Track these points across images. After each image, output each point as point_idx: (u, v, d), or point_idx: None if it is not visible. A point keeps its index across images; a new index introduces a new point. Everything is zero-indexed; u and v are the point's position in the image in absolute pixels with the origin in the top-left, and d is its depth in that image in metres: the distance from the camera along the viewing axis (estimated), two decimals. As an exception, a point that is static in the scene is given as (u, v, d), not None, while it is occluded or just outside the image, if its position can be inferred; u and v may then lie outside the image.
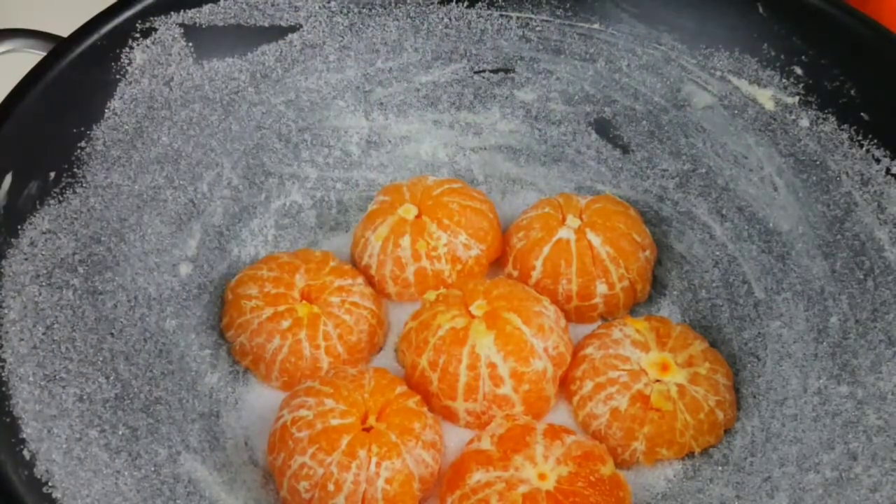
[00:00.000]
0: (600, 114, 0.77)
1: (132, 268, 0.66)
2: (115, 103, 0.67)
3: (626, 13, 0.75)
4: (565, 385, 0.68)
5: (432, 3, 0.76)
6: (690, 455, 0.65)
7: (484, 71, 0.78)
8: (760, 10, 0.70)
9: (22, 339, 0.57)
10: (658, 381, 0.65)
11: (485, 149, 0.79)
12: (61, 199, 0.63)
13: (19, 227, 0.60)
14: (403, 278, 0.72)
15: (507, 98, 0.78)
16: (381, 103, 0.78)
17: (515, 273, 0.73)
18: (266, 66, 0.74)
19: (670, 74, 0.75)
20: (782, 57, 0.70)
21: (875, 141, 0.66)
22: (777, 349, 0.67)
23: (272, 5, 0.73)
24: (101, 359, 0.61)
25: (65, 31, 0.66)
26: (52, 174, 0.63)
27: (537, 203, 0.75)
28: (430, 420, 0.63)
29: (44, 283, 0.60)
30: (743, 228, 0.72)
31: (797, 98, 0.70)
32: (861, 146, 0.67)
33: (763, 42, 0.71)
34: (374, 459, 0.60)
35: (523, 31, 0.77)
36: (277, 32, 0.74)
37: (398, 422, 0.62)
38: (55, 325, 0.60)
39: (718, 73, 0.73)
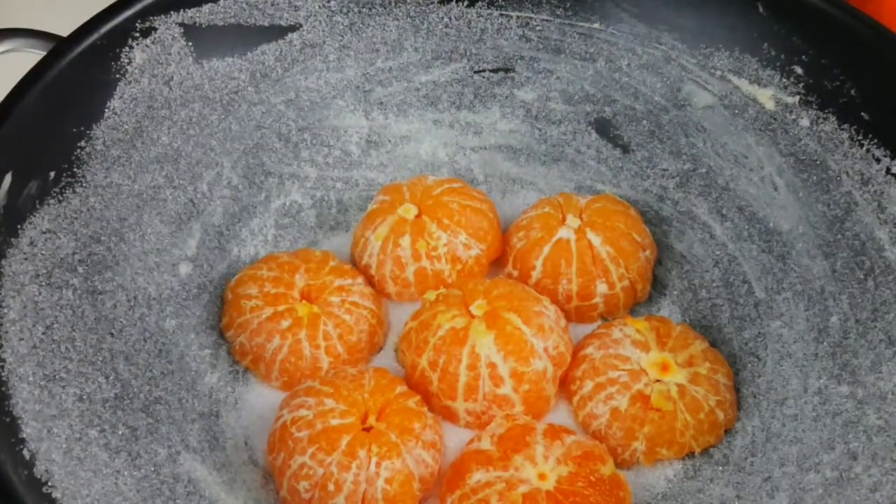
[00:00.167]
0: (600, 113, 0.77)
1: (132, 267, 0.66)
2: (114, 103, 0.67)
3: (627, 13, 0.75)
4: (565, 385, 0.68)
5: (432, 3, 0.76)
6: (691, 455, 0.65)
7: (484, 70, 0.78)
8: (760, 9, 0.70)
9: (22, 339, 0.57)
10: (658, 381, 0.65)
11: (485, 148, 0.79)
12: (61, 198, 0.63)
13: (19, 226, 0.60)
14: (403, 278, 0.72)
15: (507, 97, 0.78)
16: (381, 103, 0.78)
17: (515, 273, 0.73)
18: (266, 65, 0.74)
19: (670, 74, 0.75)
20: (782, 57, 0.70)
21: (875, 141, 0.66)
22: (777, 349, 0.67)
23: (272, 5, 0.73)
24: (100, 359, 0.61)
25: (65, 30, 0.66)
26: (52, 174, 0.63)
27: (537, 203, 0.75)
28: (430, 420, 0.63)
29: (43, 283, 0.60)
30: (743, 228, 0.72)
31: (797, 98, 0.70)
32: (861, 146, 0.67)
33: (763, 42, 0.71)
34: (374, 459, 0.60)
35: (523, 31, 0.77)
36: (277, 32, 0.74)
37: (398, 422, 0.62)
38: (55, 325, 0.60)
39: (719, 73, 0.73)
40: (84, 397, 0.59)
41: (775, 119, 0.71)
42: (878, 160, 0.66)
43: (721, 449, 0.65)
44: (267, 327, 0.67)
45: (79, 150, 0.65)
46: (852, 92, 0.67)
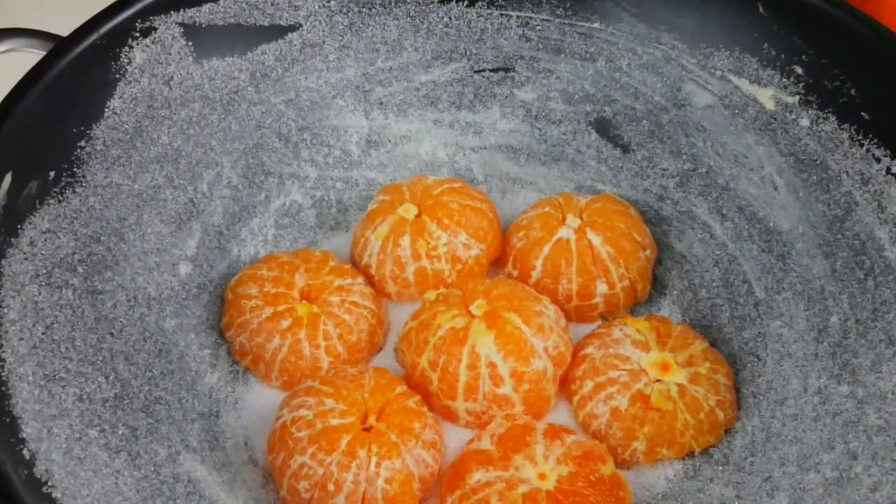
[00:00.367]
0: (600, 113, 0.77)
1: (132, 267, 0.66)
2: (114, 103, 0.67)
3: (627, 12, 0.75)
4: (565, 385, 0.68)
5: (432, 3, 0.76)
6: (691, 455, 0.65)
7: (484, 70, 0.78)
8: (761, 9, 0.70)
9: (22, 339, 0.57)
10: (658, 380, 0.65)
11: (485, 148, 0.79)
12: (61, 198, 0.63)
13: (19, 226, 0.60)
14: (403, 278, 0.72)
15: (507, 97, 0.78)
16: (381, 103, 0.78)
17: (515, 273, 0.73)
18: (266, 65, 0.74)
19: (670, 74, 0.75)
20: (782, 56, 0.70)
21: (875, 140, 0.66)
22: (777, 349, 0.67)
23: (272, 5, 0.73)
24: (100, 358, 0.61)
25: (65, 30, 0.66)
26: (52, 174, 0.63)
27: (537, 202, 0.75)
28: (430, 420, 0.63)
29: (43, 283, 0.60)
30: (743, 228, 0.72)
31: (797, 97, 0.70)
32: (861, 146, 0.67)
33: (763, 41, 0.71)
34: (374, 459, 0.60)
35: (523, 31, 0.77)
36: (277, 32, 0.74)
37: (398, 422, 0.62)
38: (55, 325, 0.60)
39: (719, 73, 0.73)
40: (84, 397, 0.59)
41: (775, 119, 0.71)
42: (878, 160, 0.66)
43: (721, 449, 0.65)
44: (267, 327, 0.67)
45: (79, 150, 0.65)
46: (852, 92, 0.67)
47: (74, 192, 0.64)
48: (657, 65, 0.75)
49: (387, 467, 0.60)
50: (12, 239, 0.60)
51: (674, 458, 0.65)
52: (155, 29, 0.69)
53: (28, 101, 0.62)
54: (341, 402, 0.62)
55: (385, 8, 0.76)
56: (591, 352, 0.67)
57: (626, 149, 0.77)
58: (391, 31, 0.76)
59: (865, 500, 0.57)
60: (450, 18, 0.77)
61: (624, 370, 0.65)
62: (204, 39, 0.71)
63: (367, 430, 0.61)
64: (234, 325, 0.68)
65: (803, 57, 0.69)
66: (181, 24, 0.70)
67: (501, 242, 0.74)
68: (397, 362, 0.71)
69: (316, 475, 0.60)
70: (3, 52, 0.68)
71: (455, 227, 0.71)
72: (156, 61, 0.69)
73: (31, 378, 0.56)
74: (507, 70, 0.78)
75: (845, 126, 0.68)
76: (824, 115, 0.69)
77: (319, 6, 0.75)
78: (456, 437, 0.66)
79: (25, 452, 0.54)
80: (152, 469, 0.59)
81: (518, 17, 0.77)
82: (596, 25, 0.76)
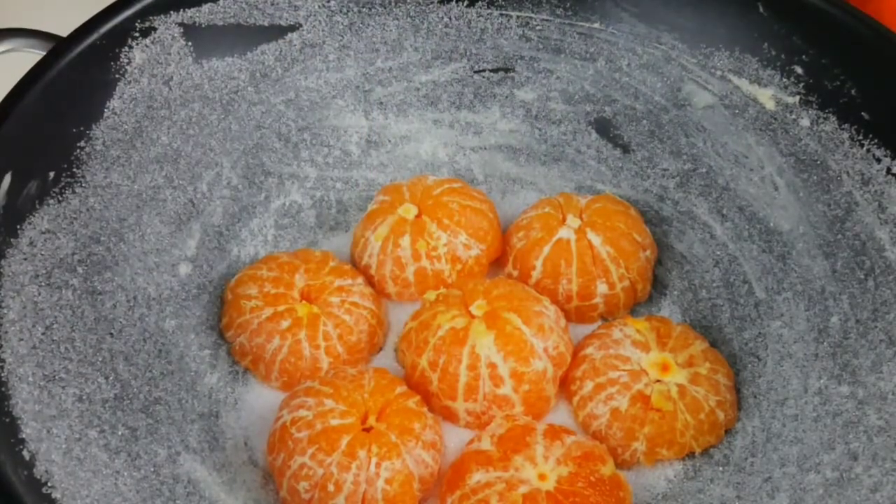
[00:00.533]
0: (600, 113, 0.77)
1: (131, 268, 0.66)
2: (114, 103, 0.67)
3: (627, 12, 0.75)
4: (565, 385, 0.68)
5: (432, 3, 0.76)
6: (691, 455, 0.65)
7: (484, 70, 0.78)
8: (761, 9, 0.70)
9: (21, 339, 0.57)
10: (658, 381, 0.65)
11: (485, 148, 0.79)
12: (61, 198, 0.63)
13: (19, 227, 0.60)
14: (403, 278, 0.71)
15: (507, 97, 0.78)
16: (381, 103, 0.78)
17: (515, 273, 0.73)
18: (266, 65, 0.74)
19: (671, 74, 0.75)
20: (783, 56, 0.70)
21: (875, 140, 0.66)
22: (778, 349, 0.67)
23: (272, 5, 0.73)
24: (100, 359, 0.61)
25: (64, 30, 0.66)
26: (52, 174, 0.63)
27: (537, 203, 0.75)
28: (430, 420, 0.63)
29: (43, 283, 0.60)
30: (743, 228, 0.72)
31: (798, 98, 0.70)
32: (861, 146, 0.67)
33: (763, 41, 0.71)
34: (373, 460, 0.60)
35: (523, 31, 0.77)
36: (277, 32, 0.74)
37: (398, 422, 0.62)
38: (54, 326, 0.60)
39: (719, 73, 0.73)
40: (84, 398, 0.59)
41: (775, 119, 0.71)
42: (878, 160, 0.66)
43: (721, 449, 0.65)
44: (267, 327, 0.67)
45: (79, 150, 0.65)
46: (852, 92, 0.67)
47: (74, 192, 0.64)
48: (657, 65, 0.75)
49: (387, 468, 0.60)
50: (12, 239, 0.59)
51: (674, 459, 0.65)
52: (155, 29, 0.69)
53: (28, 101, 0.62)
54: (341, 403, 0.62)
55: (385, 8, 0.76)
56: (591, 352, 0.67)
57: (626, 149, 0.77)
58: (391, 31, 0.76)
59: (866, 501, 0.56)
60: (450, 18, 0.77)
61: (624, 370, 0.65)
62: (204, 39, 0.71)
63: (367, 430, 0.61)
64: (233, 325, 0.68)
65: (803, 57, 0.69)
66: (181, 25, 0.70)
67: (501, 242, 0.74)
68: (397, 362, 0.71)
69: (316, 476, 0.60)
70: (3, 52, 0.68)
71: (455, 227, 0.71)
72: (155, 61, 0.69)
73: (30, 378, 0.56)
74: (507, 70, 0.78)
75: (845, 126, 0.68)
76: (824, 115, 0.69)
77: (319, 6, 0.74)
78: (456, 438, 0.66)
79: (25, 453, 0.54)
80: (152, 469, 0.59)
81: (518, 17, 0.77)
82: (596, 25, 0.76)
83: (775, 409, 0.65)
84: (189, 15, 0.70)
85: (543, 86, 0.78)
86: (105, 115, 0.66)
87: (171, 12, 0.69)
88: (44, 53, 0.65)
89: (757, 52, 0.71)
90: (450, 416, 0.66)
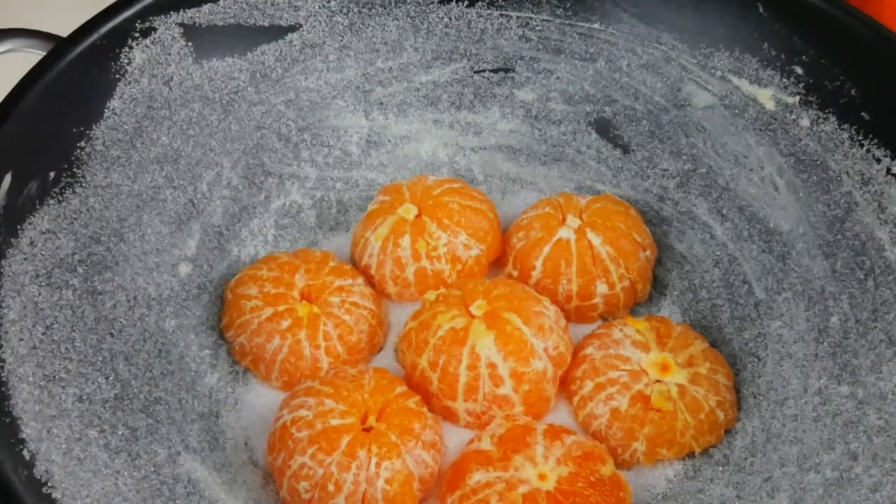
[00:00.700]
0: (600, 113, 0.77)
1: (132, 268, 0.66)
2: (114, 103, 0.67)
3: (627, 13, 0.75)
4: (565, 385, 0.68)
5: (432, 3, 0.76)
6: (691, 455, 0.65)
7: (484, 70, 0.78)
8: (761, 9, 0.70)
9: (22, 339, 0.57)
10: (658, 381, 0.65)
11: (485, 148, 0.79)
12: (61, 199, 0.63)
13: (19, 227, 0.60)
14: (403, 278, 0.72)
15: (507, 98, 0.78)
16: (381, 103, 0.78)
17: (515, 273, 0.73)
18: (266, 65, 0.74)
19: (670, 74, 0.75)
20: (783, 57, 0.70)
21: (875, 141, 0.66)
22: (777, 349, 0.67)
23: (272, 5, 0.73)
24: (100, 359, 0.61)
25: (65, 31, 0.66)
26: (52, 174, 0.63)
27: (537, 203, 0.75)
28: (430, 420, 0.63)
29: (43, 283, 0.60)
30: (743, 228, 0.72)
31: (797, 98, 0.70)
32: (861, 146, 0.67)
33: (763, 42, 0.71)
34: (374, 460, 0.60)
35: (523, 31, 0.77)
36: (277, 32, 0.74)
37: (398, 422, 0.62)
38: (55, 326, 0.60)
39: (719, 73, 0.73)
40: (84, 398, 0.59)
41: (775, 119, 0.71)
42: (878, 160, 0.66)
43: (721, 449, 0.65)
44: (267, 327, 0.67)
45: (79, 151, 0.65)
46: (852, 92, 0.67)
47: (74, 192, 0.64)
48: (657, 65, 0.75)
49: (387, 468, 0.60)
50: (12, 239, 0.59)
51: (674, 459, 0.65)
52: (155, 29, 0.69)
53: (28, 101, 0.62)
54: (341, 403, 0.62)
55: (385, 8, 0.76)
56: (591, 352, 0.67)
57: (626, 149, 0.77)
58: (391, 31, 0.76)
59: (865, 501, 0.57)
60: (450, 19, 0.77)
61: (624, 370, 0.65)
62: (204, 40, 0.71)
63: (367, 430, 0.61)
64: (234, 325, 0.68)
65: (803, 57, 0.69)
66: (181, 25, 0.70)
67: (501, 243, 0.74)
68: (397, 362, 0.71)
69: (316, 475, 0.60)
70: (3, 52, 0.68)
71: (455, 227, 0.71)
72: (156, 62, 0.69)
73: (31, 378, 0.56)
74: (507, 70, 0.78)
75: (845, 126, 0.68)
76: (824, 116, 0.69)
77: (319, 6, 0.75)
78: (456, 438, 0.66)
79: (25, 453, 0.54)
80: (152, 469, 0.59)
81: (518, 17, 0.77)
82: (596, 26, 0.76)
83: (775, 409, 0.65)
84: (189, 15, 0.70)
85: (543, 86, 0.78)
86: (105, 115, 0.66)
87: (172, 13, 0.69)
88: (44, 53, 0.65)
89: (757, 52, 0.71)
90: (450, 416, 0.66)
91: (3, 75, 0.66)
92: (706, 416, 0.64)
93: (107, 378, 0.61)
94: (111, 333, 0.63)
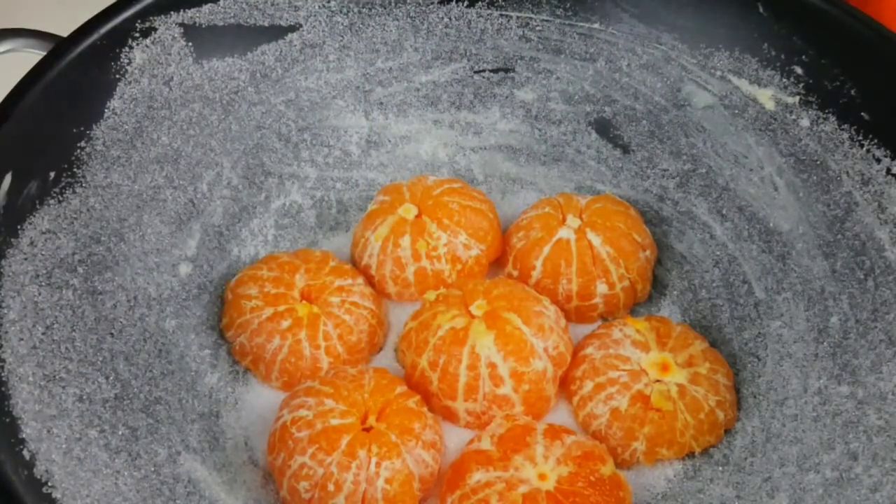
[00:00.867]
0: (600, 113, 0.77)
1: (132, 268, 0.66)
2: (114, 103, 0.67)
3: (627, 13, 0.75)
4: (565, 385, 0.68)
5: (432, 3, 0.76)
6: (691, 455, 0.65)
7: (484, 70, 0.78)
8: (760, 9, 0.70)
9: (22, 339, 0.57)
10: (658, 381, 0.65)
11: (485, 148, 0.79)
12: (61, 199, 0.63)
13: (19, 227, 0.60)
14: (403, 278, 0.72)
15: (507, 98, 0.78)
16: (381, 103, 0.78)
17: (515, 273, 0.73)
18: (266, 65, 0.74)
19: (670, 74, 0.75)
20: (782, 57, 0.70)
21: (875, 141, 0.66)
22: (777, 349, 0.67)
23: (272, 5, 0.73)
24: (100, 359, 0.61)
25: (65, 30, 0.66)
26: (52, 174, 0.63)
27: (537, 203, 0.75)
28: (430, 420, 0.63)
29: (43, 283, 0.60)
30: (743, 228, 0.72)
31: (797, 98, 0.70)
32: (861, 146, 0.67)
33: (763, 42, 0.71)
34: (374, 459, 0.60)
35: (523, 31, 0.77)
36: (277, 32, 0.74)
37: (398, 422, 0.62)
38: (55, 325, 0.60)
39: (719, 73, 0.73)
40: (84, 397, 0.59)
41: (775, 119, 0.71)
42: (878, 160, 0.66)
43: (721, 449, 0.65)
44: (267, 327, 0.67)
45: (79, 150, 0.65)
46: (852, 92, 0.67)
47: (74, 192, 0.64)
48: (657, 65, 0.75)
49: (387, 467, 0.60)
50: (12, 239, 0.60)
51: (674, 459, 0.65)
52: (155, 29, 0.69)
53: (28, 101, 0.62)
54: (341, 403, 0.62)
55: (385, 8, 0.76)
56: (591, 352, 0.67)
57: (626, 149, 0.77)
58: (391, 31, 0.76)
59: (865, 501, 0.57)
60: (450, 19, 0.77)
61: (624, 370, 0.65)
62: (204, 40, 0.71)
63: (367, 430, 0.61)
64: (234, 325, 0.68)
65: (803, 57, 0.69)
66: (181, 25, 0.70)
67: (501, 243, 0.74)
68: (397, 362, 0.71)
69: (316, 475, 0.60)
70: (3, 52, 0.68)
71: (455, 227, 0.71)
72: (156, 62, 0.69)
73: (31, 378, 0.56)
74: (507, 70, 0.78)
75: (845, 126, 0.68)
76: (824, 116, 0.69)
77: (319, 6, 0.75)
78: (456, 437, 0.66)
79: (25, 453, 0.54)
80: (152, 469, 0.59)
81: (518, 17, 0.77)
82: (596, 26, 0.76)
83: (775, 409, 0.65)
84: (189, 15, 0.70)
85: (543, 86, 0.78)
86: (105, 115, 0.66)
87: (172, 13, 0.69)
88: (44, 53, 0.65)
89: (757, 52, 0.71)
90: (450, 416, 0.66)
91: (3, 75, 0.66)
92: (706, 416, 0.64)
93: (107, 378, 0.61)
94: (111, 333, 0.63)
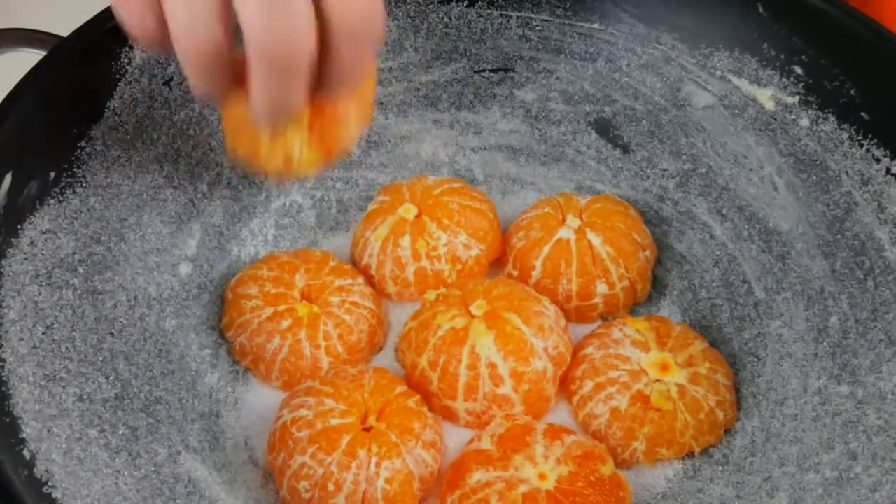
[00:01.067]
0: (600, 113, 0.77)
1: (132, 267, 0.66)
2: (114, 103, 0.67)
3: (626, 13, 0.75)
4: (565, 385, 0.68)
5: (432, 3, 0.76)
6: (690, 455, 0.65)
7: (484, 70, 0.78)
8: (760, 9, 0.70)
9: (22, 339, 0.57)
10: (658, 380, 0.65)
11: (485, 148, 0.79)
12: (61, 198, 0.63)
13: (19, 226, 0.60)
14: (403, 278, 0.72)
15: (507, 98, 0.78)
16: (381, 103, 0.78)
17: (515, 273, 0.73)
18: (266, 65, 0.74)
19: (670, 74, 0.75)
20: (782, 57, 0.70)
21: (875, 140, 0.66)
22: (777, 349, 0.67)
23: (272, 5, 0.73)
24: (101, 359, 0.61)
25: (65, 30, 0.66)
26: (52, 174, 0.63)
27: (537, 203, 0.75)
28: (430, 420, 0.63)
29: (44, 283, 0.60)
30: (743, 228, 0.72)
31: (797, 98, 0.70)
32: (861, 146, 0.67)
33: (763, 42, 0.71)
34: (374, 459, 0.60)
35: (523, 31, 0.77)
36: (277, 32, 0.73)
37: (398, 422, 0.62)
38: (55, 325, 0.60)
39: (718, 73, 0.73)
40: (84, 397, 0.59)
41: (775, 119, 0.71)
42: (878, 160, 0.66)
43: (721, 449, 0.65)
44: (267, 327, 0.67)
45: (79, 150, 0.65)
46: (852, 92, 0.67)
47: (74, 192, 0.64)
48: (657, 65, 0.75)
49: (387, 467, 0.60)
50: (12, 239, 0.59)
51: (674, 458, 0.65)
52: (155, 29, 0.69)
53: (28, 101, 0.62)
54: (341, 403, 0.62)
55: (385, 8, 0.76)
56: (590, 352, 0.67)
57: (626, 149, 0.77)
58: (391, 31, 0.76)
59: (865, 501, 0.57)
60: (450, 19, 0.77)
61: (624, 370, 0.65)
62: (204, 40, 0.71)
63: (368, 430, 0.61)
64: (234, 325, 0.68)
65: (803, 57, 0.69)
66: (181, 25, 0.70)
67: (501, 243, 0.74)
68: (397, 362, 0.71)
69: (316, 475, 0.60)
70: (3, 52, 0.68)
71: (455, 227, 0.71)
72: (156, 61, 0.69)
73: (31, 378, 0.56)
74: (507, 70, 0.78)
75: (845, 126, 0.68)
76: (824, 116, 0.69)
77: (319, 6, 0.74)
78: (456, 437, 0.66)
79: (25, 453, 0.54)
80: (152, 469, 0.59)
81: (518, 17, 0.77)
82: (596, 26, 0.76)
83: (775, 409, 0.65)
84: (189, 15, 0.70)
85: (543, 86, 0.78)
86: (105, 115, 0.66)
87: (172, 12, 0.69)
88: (44, 53, 0.65)
89: (757, 52, 0.71)
90: (450, 415, 0.66)
91: (3, 75, 0.66)
92: (706, 416, 0.64)
93: (107, 378, 0.61)
94: (111, 333, 0.63)
